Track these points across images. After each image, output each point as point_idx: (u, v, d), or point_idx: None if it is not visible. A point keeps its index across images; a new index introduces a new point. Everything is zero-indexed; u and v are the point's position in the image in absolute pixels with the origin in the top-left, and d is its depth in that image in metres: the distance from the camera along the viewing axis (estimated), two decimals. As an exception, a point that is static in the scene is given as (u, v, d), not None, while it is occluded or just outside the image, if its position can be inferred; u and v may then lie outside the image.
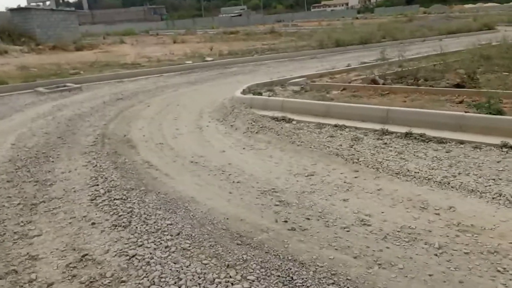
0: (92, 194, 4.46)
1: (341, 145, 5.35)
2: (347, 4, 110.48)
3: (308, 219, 3.58)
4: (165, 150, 5.96)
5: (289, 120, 6.74)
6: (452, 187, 3.92)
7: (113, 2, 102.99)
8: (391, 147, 5.15)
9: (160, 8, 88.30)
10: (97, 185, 4.71)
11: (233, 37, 33.01)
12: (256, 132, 6.41)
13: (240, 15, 73.42)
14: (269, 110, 7.52)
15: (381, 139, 5.46)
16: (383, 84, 8.39)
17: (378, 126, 5.86)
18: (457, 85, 7.56)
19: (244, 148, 5.77)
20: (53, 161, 5.67)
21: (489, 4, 73.44)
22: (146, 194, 4.34)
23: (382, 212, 3.58)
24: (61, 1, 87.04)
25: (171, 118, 8.07)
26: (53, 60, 17.36)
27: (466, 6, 74.78)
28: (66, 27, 26.70)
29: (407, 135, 5.39)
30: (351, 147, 5.25)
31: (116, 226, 3.71)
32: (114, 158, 5.65)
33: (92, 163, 5.48)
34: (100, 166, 5.35)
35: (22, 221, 3.91)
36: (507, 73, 8.55)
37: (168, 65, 15.50)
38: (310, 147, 5.44)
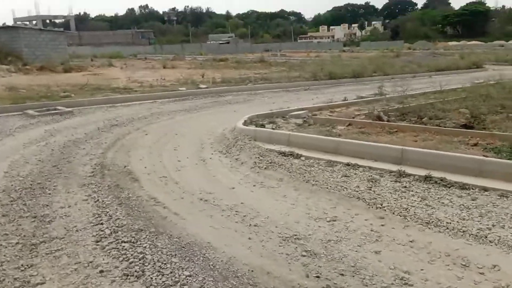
0: (96, 234, 4.08)
1: (358, 187, 5.10)
2: (333, 36, 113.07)
3: (342, 274, 3.28)
4: (170, 184, 5.62)
5: (298, 156, 6.49)
6: (490, 241, 3.68)
7: (100, 25, 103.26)
8: (412, 191, 4.93)
9: (147, 32, 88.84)
10: (102, 223, 4.33)
11: (223, 65, 33.09)
12: (265, 168, 6.13)
13: (228, 42, 74.26)
14: (274, 143, 7.28)
15: (400, 182, 5.23)
16: (388, 121, 8.27)
17: (393, 167, 5.65)
18: (465, 126, 7.48)
19: (254, 186, 5.48)
20: (50, 194, 5.27)
21: (473, 42, 75.90)
22: (157, 237, 3.98)
23: (422, 270, 3.30)
24: (47, 21, 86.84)
25: (170, 148, 7.75)
26: (41, 81, 16.92)
27: (450, 43, 77.19)
28: (54, 47, 26.34)
29: (427, 178, 5.18)
30: (370, 190, 5.01)
31: (127, 275, 3.34)
32: (116, 192, 5.28)
33: (93, 197, 5.10)
34: (103, 201, 4.97)
35: (22, 265, 3.51)
36: None
37: (162, 91, 15.23)
38: (327, 188, 5.17)
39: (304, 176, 5.61)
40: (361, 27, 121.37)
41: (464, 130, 6.95)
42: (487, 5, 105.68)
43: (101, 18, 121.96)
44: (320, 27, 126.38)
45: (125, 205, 4.82)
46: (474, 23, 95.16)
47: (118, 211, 4.63)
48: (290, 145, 7.06)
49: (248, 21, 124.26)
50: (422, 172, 5.34)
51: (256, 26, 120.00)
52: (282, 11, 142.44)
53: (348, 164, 5.91)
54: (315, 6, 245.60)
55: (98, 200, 5.01)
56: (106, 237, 4.01)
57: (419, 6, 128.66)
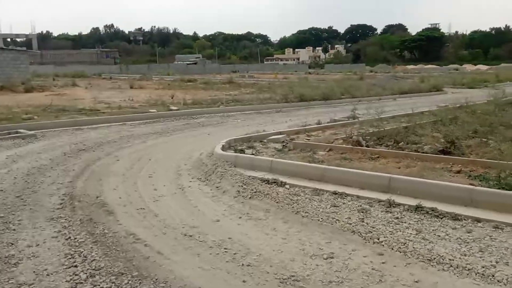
0: (71, 279, 3.64)
1: (350, 218, 4.88)
2: (298, 59, 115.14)
3: (352, 322, 3.01)
4: (149, 217, 5.22)
5: (282, 184, 6.23)
6: (498, 281, 3.50)
7: (64, 43, 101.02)
8: (405, 222, 4.74)
9: (113, 52, 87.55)
10: (76, 266, 3.89)
11: (192, 85, 32.80)
12: (250, 197, 5.83)
13: (195, 63, 74.11)
14: (256, 170, 7.00)
15: (391, 212, 5.05)
16: (367, 146, 8.18)
17: (381, 196, 5.47)
18: (443, 151, 7.46)
19: (240, 217, 5.16)
20: (14, 230, 4.76)
21: (429, 66, 78.98)
22: (141, 282, 3.59)
23: (435, 314, 3.08)
24: (8, 39, 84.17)
25: (145, 175, 7.33)
26: (1, 102, 16.05)
27: (408, 67, 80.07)
28: (16, 67, 25.30)
29: (418, 208, 5.03)
30: (363, 222, 4.79)
31: (111, 331, 2.93)
32: (90, 227, 4.83)
33: (63, 234, 4.63)
34: (75, 238, 4.52)
35: (-17, 323, 3.04)
36: (485, 139, 8.63)
37: (131, 113, 14.73)
38: (318, 220, 4.91)
39: (292, 207, 5.35)
40: (325, 50, 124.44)
41: (445, 157, 6.91)
42: (441, 31, 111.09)
43: (64, 37, 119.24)
44: (286, 49, 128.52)
45: (101, 243, 4.39)
46: (430, 48, 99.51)
47: (94, 251, 4.19)
48: (273, 172, 6.80)
49: (215, 43, 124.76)
50: (412, 202, 5.20)
51: (223, 47, 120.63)
52: (248, 33, 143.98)
53: (335, 193, 5.70)
54: (280, 29, 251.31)
55: (69, 237, 4.54)
56: (81, 283, 3.58)
57: (379, 31, 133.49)
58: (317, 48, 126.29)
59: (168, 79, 42.17)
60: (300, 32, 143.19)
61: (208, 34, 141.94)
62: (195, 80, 38.35)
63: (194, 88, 30.06)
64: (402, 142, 8.44)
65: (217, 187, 6.48)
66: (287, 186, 6.14)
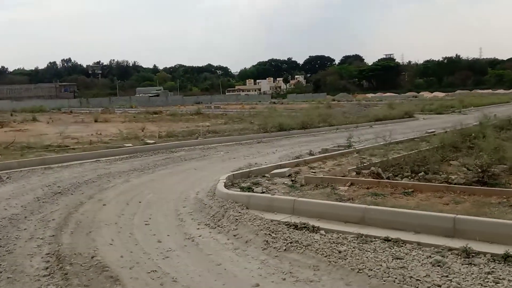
0: None
1: (428, 276, 3.91)
2: (259, 89, 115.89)
3: None
4: (168, 284, 4.08)
5: (314, 229, 5.24)
6: None
7: (20, 78, 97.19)
8: (504, 279, 3.76)
9: (71, 85, 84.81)
10: None
11: (158, 117, 31.63)
12: (284, 249, 4.79)
13: (158, 95, 72.74)
14: (275, 212, 6.00)
15: (474, 264, 4.06)
16: (387, 178, 7.38)
17: (448, 241, 4.54)
18: (478, 181, 6.76)
19: (284, 279, 4.11)
20: (-10, 315, 3.52)
21: (388, 94, 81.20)
22: None
23: None
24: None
25: (141, 223, 6.16)
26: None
27: (368, 95, 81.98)
28: (-31, 101, 23.24)
29: (508, 258, 4.09)
30: (450, 281, 3.78)
31: None
32: (95, 304, 3.65)
33: (61, 317, 3.44)
34: (78, 323, 3.34)
35: None
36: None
37: (105, 148, 13.39)
38: (390, 280, 3.91)
39: (345, 261, 4.34)
40: (286, 81, 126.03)
41: (494, 189, 6.16)
42: (396, 60, 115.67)
43: (20, 72, 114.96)
44: (247, 80, 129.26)
45: (117, 329, 3.23)
46: (387, 76, 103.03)
47: None
48: (297, 214, 5.81)
49: (176, 75, 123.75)
50: (492, 249, 4.30)
51: (184, 79, 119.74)
52: (209, 65, 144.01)
53: (387, 239, 4.76)
54: (240, 61, 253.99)
55: (71, 321, 3.36)
56: None
57: (337, 61, 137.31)
58: (277, 79, 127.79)
59: (132, 111, 40.68)
60: (260, 63, 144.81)
61: (168, 66, 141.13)
62: (161, 112, 37.17)
63: (161, 120, 28.90)
64: (422, 173, 7.70)
65: (235, 236, 5.42)
66: (322, 232, 5.15)
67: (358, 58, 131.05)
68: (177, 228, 5.91)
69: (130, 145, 14.16)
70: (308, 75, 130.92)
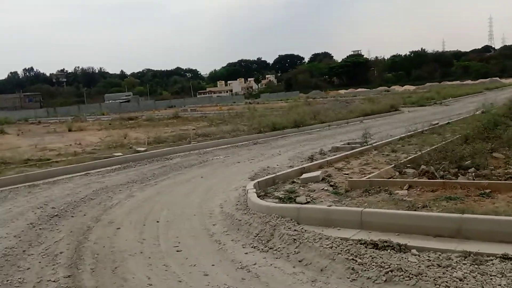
0: None
1: None
2: (231, 90, 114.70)
3: None
4: None
5: (401, 248, 4.23)
6: None
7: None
8: None
9: (36, 95, 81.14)
10: None
11: (135, 123, 30.04)
12: (385, 281, 3.76)
13: (128, 101, 70.35)
14: (335, 227, 4.99)
15: None
16: (441, 177, 6.48)
17: None
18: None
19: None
20: None
21: (360, 89, 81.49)
22: None
23: None
24: None
25: (170, 249, 5.04)
26: None
27: (341, 91, 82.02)
28: None
29: None
30: None
31: None
32: None
33: None
34: None
35: None
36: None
37: (92, 159, 12.03)
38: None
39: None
40: (257, 81, 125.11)
41: None
42: (364, 56, 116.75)
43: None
44: (218, 82, 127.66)
45: None
46: (356, 72, 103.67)
47: None
48: (366, 228, 4.81)
49: (145, 79, 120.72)
50: None
51: (153, 83, 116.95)
52: (178, 68, 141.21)
53: (506, 257, 3.80)
54: (210, 63, 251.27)
55: None
56: None
57: (306, 59, 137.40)
58: (248, 79, 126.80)
59: (105, 118, 38.80)
60: (230, 64, 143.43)
61: (136, 71, 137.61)
62: (136, 117, 35.51)
63: (139, 126, 27.38)
64: (473, 168, 6.86)
65: (300, 262, 4.36)
66: (414, 251, 4.16)
67: (327, 56, 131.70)
68: (219, 254, 4.81)
69: (120, 154, 12.83)
70: (279, 74, 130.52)
